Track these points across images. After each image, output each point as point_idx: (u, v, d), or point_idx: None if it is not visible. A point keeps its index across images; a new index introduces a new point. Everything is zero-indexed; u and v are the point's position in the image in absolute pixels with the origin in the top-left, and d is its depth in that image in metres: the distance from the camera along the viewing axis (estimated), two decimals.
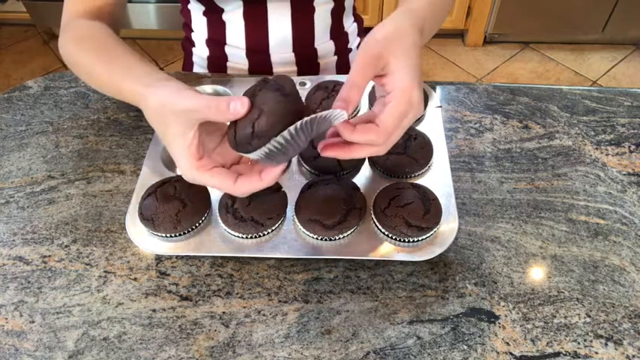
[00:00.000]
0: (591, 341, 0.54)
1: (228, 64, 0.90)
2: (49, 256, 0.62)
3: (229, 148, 0.47)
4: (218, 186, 0.48)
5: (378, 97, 0.50)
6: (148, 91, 0.49)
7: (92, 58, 0.60)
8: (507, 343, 0.54)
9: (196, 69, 0.95)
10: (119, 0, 0.72)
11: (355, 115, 0.70)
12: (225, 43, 0.87)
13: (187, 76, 0.83)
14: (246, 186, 0.47)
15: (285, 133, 0.43)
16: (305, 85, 0.77)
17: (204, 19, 0.86)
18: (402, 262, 0.60)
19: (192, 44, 0.93)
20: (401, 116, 0.45)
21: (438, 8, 0.56)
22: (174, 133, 0.46)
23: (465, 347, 0.54)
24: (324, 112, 0.43)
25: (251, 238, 0.59)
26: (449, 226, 0.60)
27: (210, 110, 0.44)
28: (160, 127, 0.48)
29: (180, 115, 0.45)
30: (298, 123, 0.42)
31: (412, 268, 0.60)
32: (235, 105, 0.43)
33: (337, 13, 0.87)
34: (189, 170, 0.48)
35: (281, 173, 0.48)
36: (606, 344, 0.54)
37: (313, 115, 0.43)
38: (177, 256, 0.62)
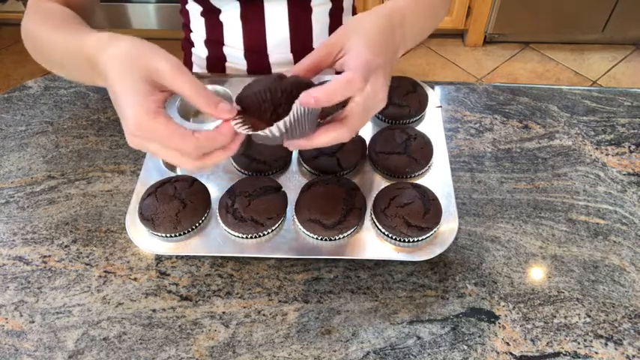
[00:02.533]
0: (591, 341, 0.54)
1: (227, 64, 0.90)
2: (49, 256, 0.62)
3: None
4: (169, 138, 0.40)
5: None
6: (116, 39, 0.44)
7: (51, 27, 0.55)
8: (507, 343, 0.54)
9: (196, 69, 0.95)
10: None
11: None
12: (223, 44, 0.87)
13: None
14: (204, 139, 0.40)
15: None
16: None
17: (203, 19, 0.86)
18: (402, 262, 0.60)
19: (192, 44, 0.93)
20: (363, 98, 0.43)
21: (425, 4, 0.56)
22: (138, 78, 0.41)
23: (465, 347, 0.54)
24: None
25: (251, 238, 0.59)
26: (449, 226, 0.60)
27: (198, 97, 0.41)
28: (121, 71, 0.42)
29: (151, 71, 0.41)
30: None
31: (412, 268, 0.60)
32: (222, 111, 0.41)
33: (336, 14, 0.87)
34: (139, 113, 0.40)
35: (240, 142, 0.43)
36: (606, 344, 0.54)
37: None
38: (177, 256, 0.62)
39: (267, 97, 0.43)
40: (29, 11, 0.62)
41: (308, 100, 0.40)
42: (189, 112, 0.76)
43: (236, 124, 0.43)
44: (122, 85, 0.42)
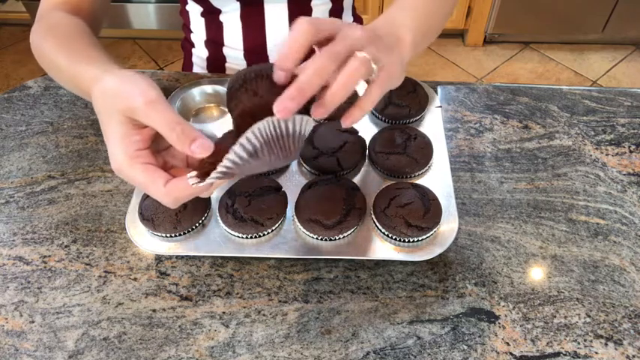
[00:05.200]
0: (591, 341, 0.54)
1: (227, 64, 0.90)
2: (49, 256, 0.62)
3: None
4: (145, 185, 0.41)
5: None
6: (107, 73, 0.44)
7: (55, 46, 0.56)
8: (507, 343, 0.54)
9: (196, 69, 0.95)
10: None
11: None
12: (223, 44, 0.87)
13: (187, 76, 0.83)
14: (176, 190, 0.41)
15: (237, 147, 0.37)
16: None
17: (203, 20, 0.86)
18: (402, 262, 0.60)
19: (192, 45, 0.93)
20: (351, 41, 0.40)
21: (436, 6, 0.55)
22: (118, 120, 0.41)
23: (465, 347, 0.54)
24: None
25: (251, 238, 0.59)
26: (449, 226, 0.60)
27: (171, 133, 0.39)
28: (105, 110, 0.43)
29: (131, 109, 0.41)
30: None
31: (412, 268, 0.60)
32: (198, 148, 0.39)
33: (336, 14, 0.87)
34: (118, 159, 0.41)
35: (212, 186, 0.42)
36: (606, 344, 0.54)
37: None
38: (177, 256, 0.62)
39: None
40: (37, 20, 0.63)
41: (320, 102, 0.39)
42: (189, 112, 0.76)
43: (191, 177, 0.40)
44: (105, 126, 0.43)
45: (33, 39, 0.61)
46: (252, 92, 0.41)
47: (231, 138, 0.42)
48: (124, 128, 0.41)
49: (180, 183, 0.41)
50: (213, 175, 0.39)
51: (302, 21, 0.40)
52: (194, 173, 0.40)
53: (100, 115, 0.43)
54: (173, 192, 0.41)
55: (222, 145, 0.40)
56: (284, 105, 0.37)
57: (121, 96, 0.41)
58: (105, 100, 0.43)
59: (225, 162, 0.38)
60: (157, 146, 0.45)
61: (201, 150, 0.40)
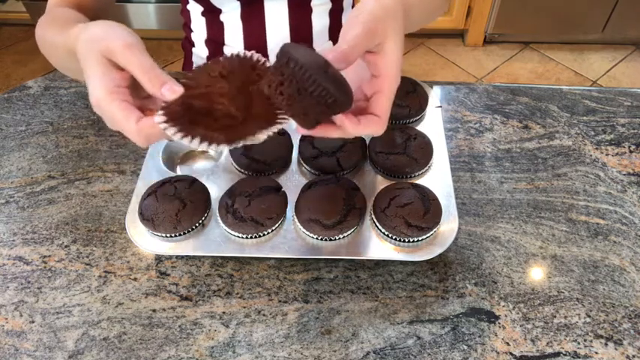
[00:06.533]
0: (591, 341, 0.54)
1: None
2: (49, 256, 0.62)
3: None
4: (119, 121, 0.43)
5: (365, 77, 0.49)
6: (90, 24, 0.46)
7: (53, 29, 0.58)
8: (507, 343, 0.54)
9: None
10: None
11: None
12: (223, 44, 0.87)
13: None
14: (146, 127, 0.42)
15: None
16: None
17: (203, 19, 0.86)
18: (402, 262, 0.60)
19: (192, 44, 0.93)
20: (392, 101, 0.46)
21: None
22: (98, 60, 0.43)
23: (465, 347, 0.54)
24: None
25: (251, 238, 0.59)
26: (449, 226, 0.60)
27: (143, 75, 0.42)
28: (86, 52, 0.44)
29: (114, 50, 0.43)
30: None
31: (412, 268, 0.60)
32: (168, 91, 0.42)
33: (335, 14, 0.87)
34: (97, 94, 0.43)
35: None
36: (606, 344, 0.54)
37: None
38: (177, 256, 0.62)
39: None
40: (42, 17, 0.65)
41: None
42: None
43: (159, 115, 0.42)
44: (86, 67, 0.45)
45: (37, 31, 0.63)
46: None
47: (203, 76, 0.45)
48: (103, 67, 0.43)
49: (150, 120, 0.43)
50: (165, 124, 0.41)
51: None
52: (162, 112, 0.42)
53: (82, 59, 0.45)
54: (144, 129, 0.43)
55: (193, 91, 0.43)
56: (300, 131, 0.44)
57: (102, 39, 0.43)
58: (87, 44, 0.45)
59: (169, 130, 0.41)
60: (138, 94, 0.46)
61: (170, 93, 0.43)
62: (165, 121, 0.41)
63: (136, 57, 0.42)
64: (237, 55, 0.48)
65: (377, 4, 0.46)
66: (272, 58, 0.42)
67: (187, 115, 0.42)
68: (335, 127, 0.46)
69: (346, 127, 0.45)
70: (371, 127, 0.46)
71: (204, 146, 0.41)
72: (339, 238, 0.59)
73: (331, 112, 0.43)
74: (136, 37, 0.44)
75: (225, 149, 0.42)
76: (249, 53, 0.47)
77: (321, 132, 0.46)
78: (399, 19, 0.47)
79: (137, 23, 2.16)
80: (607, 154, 0.71)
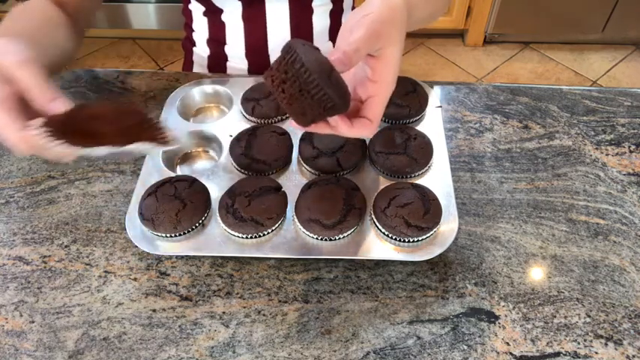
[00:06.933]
0: (591, 341, 0.54)
1: (228, 64, 0.90)
2: (49, 256, 0.62)
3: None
4: (3, 127, 0.44)
5: (361, 78, 0.50)
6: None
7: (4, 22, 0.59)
8: (507, 343, 0.54)
9: (196, 68, 0.95)
10: None
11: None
12: (225, 43, 0.87)
13: (187, 76, 0.83)
14: (29, 135, 0.44)
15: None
16: None
17: (205, 19, 0.86)
18: (402, 262, 0.60)
19: (193, 44, 0.93)
20: (385, 105, 0.48)
21: None
22: None
23: (465, 347, 0.54)
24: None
25: (251, 238, 0.59)
26: (449, 226, 0.60)
27: (34, 89, 0.43)
28: None
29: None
30: None
31: (412, 268, 0.60)
32: (56, 105, 0.44)
33: (336, 14, 0.87)
34: None
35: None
36: (606, 344, 0.54)
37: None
38: (177, 256, 0.62)
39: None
40: (18, 5, 0.65)
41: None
42: (189, 113, 0.76)
43: (36, 121, 0.43)
44: None
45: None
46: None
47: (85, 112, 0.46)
48: None
49: (35, 130, 0.44)
50: (45, 137, 0.43)
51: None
52: (40, 120, 0.43)
53: None
54: (27, 138, 0.43)
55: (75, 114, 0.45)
56: (293, 125, 0.47)
57: None
58: None
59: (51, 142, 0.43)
60: (27, 113, 0.47)
61: (59, 107, 0.44)
62: (39, 128, 0.43)
63: (30, 71, 0.44)
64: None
65: (384, 5, 0.46)
66: (272, 58, 0.43)
67: (62, 126, 0.44)
68: (328, 126, 0.48)
69: (340, 128, 0.47)
70: (363, 131, 0.47)
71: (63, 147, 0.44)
72: (339, 238, 0.59)
73: (328, 114, 0.44)
74: (33, 53, 0.45)
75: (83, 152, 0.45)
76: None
77: (315, 129, 0.48)
78: (403, 21, 0.47)
79: (137, 23, 2.16)
80: (607, 154, 0.72)
